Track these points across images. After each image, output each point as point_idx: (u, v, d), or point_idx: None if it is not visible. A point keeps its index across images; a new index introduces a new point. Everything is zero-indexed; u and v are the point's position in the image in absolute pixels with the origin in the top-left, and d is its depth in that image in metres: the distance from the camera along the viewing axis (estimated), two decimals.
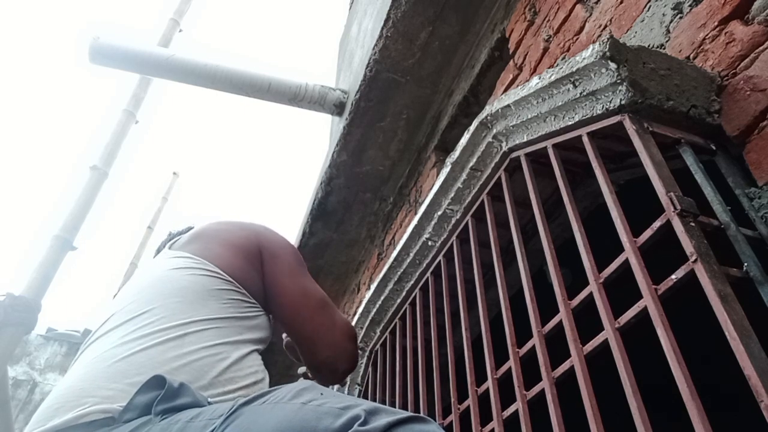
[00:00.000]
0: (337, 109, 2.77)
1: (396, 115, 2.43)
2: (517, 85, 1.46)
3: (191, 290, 0.96)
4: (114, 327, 0.92)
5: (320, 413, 0.61)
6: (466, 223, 1.48)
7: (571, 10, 1.53)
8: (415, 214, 1.67)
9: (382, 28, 2.17)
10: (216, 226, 1.13)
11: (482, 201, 1.42)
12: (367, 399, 0.69)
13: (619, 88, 0.98)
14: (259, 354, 1.02)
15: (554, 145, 1.17)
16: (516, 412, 1.08)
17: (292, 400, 0.66)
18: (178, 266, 1.01)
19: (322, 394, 0.67)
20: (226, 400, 0.85)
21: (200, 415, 0.70)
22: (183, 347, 0.88)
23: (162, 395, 0.74)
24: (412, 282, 1.74)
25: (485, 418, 1.19)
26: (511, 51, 1.87)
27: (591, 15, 1.44)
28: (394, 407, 0.76)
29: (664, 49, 1.14)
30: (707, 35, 1.05)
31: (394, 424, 0.58)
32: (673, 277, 0.83)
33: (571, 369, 0.96)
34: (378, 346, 1.94)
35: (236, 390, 0.90)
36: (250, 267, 1.05)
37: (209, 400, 0.82)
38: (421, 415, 0.63)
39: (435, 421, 0.66)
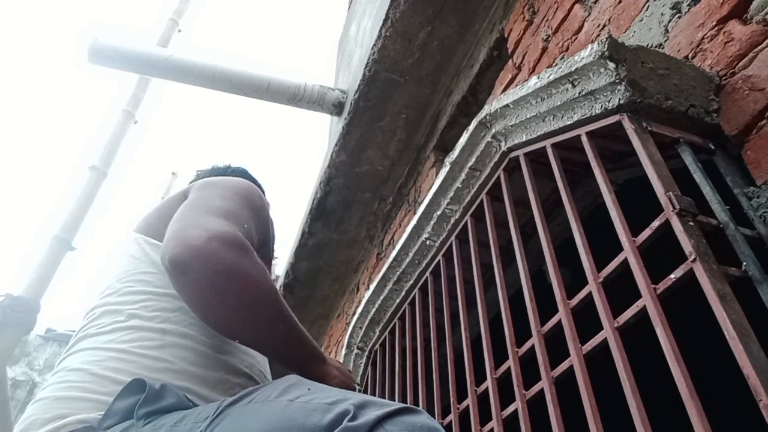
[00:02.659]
0: (336, 109, 2.76)
1: (395, 115, 2.43)
2: (516, 85, 1.46)
3: (157, 281, 0.91)
4: (87, 331, 0.88)
5: (308, 410, 0.60)
6: (466, 223, 1.48)
7: (569, 10, 1.53)
8: (414, 213, 1.67)
9: (381, 28, 2.17)
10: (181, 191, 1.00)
11: (481, 201, 1.42)
12: None
13: (618, 87, 0.98)
14: None
15: (553, 145, 1.17)
16: (515, 411, 1.08)
17: (278, 397, 0.65)
18: (136, 255, 0.96)
19: (309, 389, 0.65)
20: (214, 396, 0.83)
21: (185, 419, 0.68)
22: (163, 348, 0.83)
23: (144, 398, 0.72)
24: (411, 282, 1.74)
25: (485, 417, 1.19)
26: (509, 51, 1.87)
27: (590, 15, 1.44)
28: None
29: (662, 48, 1.15)
30: (706, 35, 1.05)
31: (383, 417, 0.57)
32: (672, 276, 0.83)
33: (571, 369, 0.96)
34: (377, 346, 1.94)
35: (226, 384, 0.86)
36: None
37: (200, 398, 0.80)
38: (411, 406, 0.61)
39: (429, 415, 0.65)
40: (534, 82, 1.17)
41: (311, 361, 0.87)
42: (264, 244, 1.03)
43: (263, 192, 1.38)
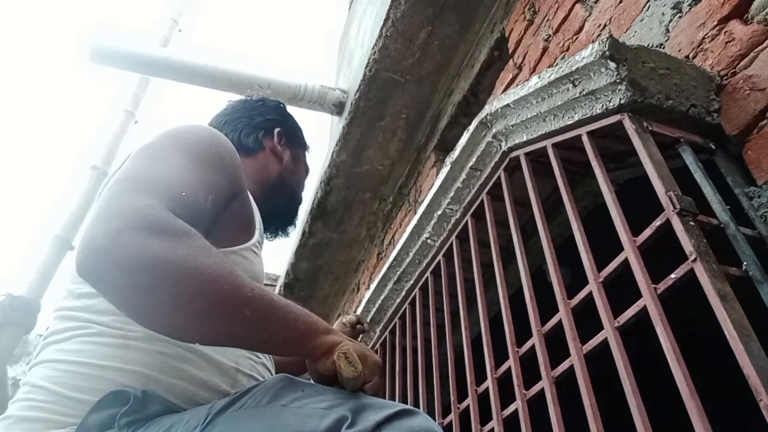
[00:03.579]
0: (337, 108, 2.76)
1: (395, 115, 2.43)
2: (517, 85, 1.46)
3: None
4: (48, 339, 0.78)
5: (303, 416, 0.58)
6: (466, 223, 1.48)
7: (570, 10, 1.53)
8: (415, 213, 1.66)
9: (382, 28, 2.17)
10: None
11: (482, 200, 1.42)
12: None
13: (619, 87, 0.98)
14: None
15: (554, 145, 1.17)
16: (516, 411, 1.08)
17: (271, 402, 0.62)
18: None
19: (303, 390, 0.63)
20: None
21: (173, 428, 0.64)
22: (128, 356, 0.72)
23: (127, 408, 0.66)
24: (411, 281, 1.74)
25: (485, 417, 1.19)
26: (510, 50, 1.87)
27: (590, 14, 1.44)
28: None
29: (663, 48, 1.14)
30: (706, 34, 1.05)
31: (381, 422, 0.56)
32: (672, 276, 0.83)
33: (571, 368, 0.96)
34: (378, 345, 1.94)
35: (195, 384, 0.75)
36: None
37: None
38: (409, 407, 0.60)
39: (428, 415, 0.63)
40: (535, 82, 1.16)
41: (310, 338, 0.67)
42: (235, 196, 0.84)
43: (295, 131, 1.20)
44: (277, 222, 1.15)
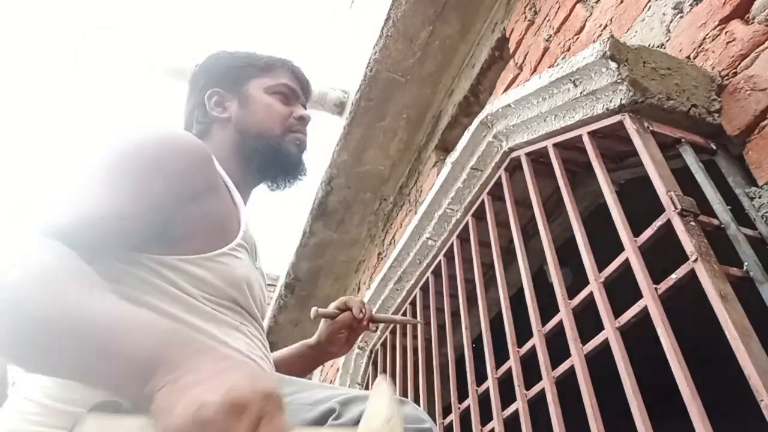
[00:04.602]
0: (338, 108, 2.76)
1: (396, 115, 2.43)
2: (518, 85, 1.46)
3: None
4: None
5: (291, 411, 0.56)
6: (467, 223, 1.48)
7: (571, 10, 1.53)
8: (416, 213, 1.67)
9: (383, 28, 2.17)
10: None
11: (482, 200, 1.42)
12: None
13: (620, 87, 0.98)
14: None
15: (554, 145, 1.17)
16: (516, 411, 1.08)
17: None
18: None
19: (291, 388, 0.63)
20: None
21: None
22: None
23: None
24: (412, 281, 1.74)
25: (485, 417, 1.19)
26: (511, 50, 1.87)
27: (591, 14, 1.44)
28: None
29: (664, 48, 1.14)
30: (708, 35, 1.05)
31: None
32: (673, 276, 0.83)
33: (572, 368, 0.96)
34: (378, 345, 1.94)
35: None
36: None
37: None
38: (398, 397, 0.61)
39: (415, 404, 0.63)
40: (535, 82, 1.16)
41: (135, 382, 0.47)
42: (194, 199, 0.75)
43: (224, 75, 1.01)
44: (278, 171, 1.00)
